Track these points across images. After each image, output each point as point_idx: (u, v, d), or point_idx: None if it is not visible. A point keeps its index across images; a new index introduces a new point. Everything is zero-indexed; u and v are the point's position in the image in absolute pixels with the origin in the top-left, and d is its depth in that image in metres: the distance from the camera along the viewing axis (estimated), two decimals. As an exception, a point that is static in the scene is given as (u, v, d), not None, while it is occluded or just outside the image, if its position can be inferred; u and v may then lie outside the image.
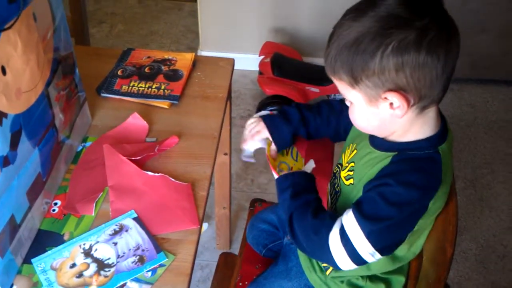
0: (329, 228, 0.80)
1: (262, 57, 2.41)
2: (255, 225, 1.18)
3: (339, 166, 0.95)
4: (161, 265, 0.94)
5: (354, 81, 0.76)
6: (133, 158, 1.10)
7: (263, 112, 1.06)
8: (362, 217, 0.78)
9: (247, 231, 1.21)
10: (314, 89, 2.30)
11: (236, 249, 1.79)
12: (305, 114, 1.01)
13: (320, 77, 2.31)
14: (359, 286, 0.97)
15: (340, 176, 0.92)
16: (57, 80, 0.99)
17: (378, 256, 0.79)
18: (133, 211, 1.03)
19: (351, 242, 0.78)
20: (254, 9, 2.53)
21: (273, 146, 0.98)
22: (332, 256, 0.80)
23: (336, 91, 2.27)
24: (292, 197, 0.86)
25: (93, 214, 1.02)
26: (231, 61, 1.42)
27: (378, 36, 0.72)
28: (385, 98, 0.76)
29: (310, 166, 0.96)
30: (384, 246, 0.79)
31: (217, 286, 1.29)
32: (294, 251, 1.06)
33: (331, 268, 0.98)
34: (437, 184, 0.80)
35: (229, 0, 2.52)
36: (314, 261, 1.01)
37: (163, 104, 1.26)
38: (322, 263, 0.99)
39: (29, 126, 0.89)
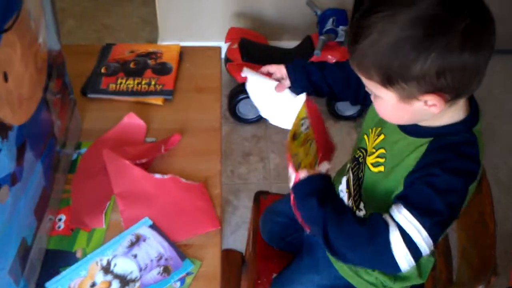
0: (385, 233, 0.73)
1: (228, 44, 2.33)
2: (269, 219, 1.13)
3: (363, 151, 0.91)
4: (188, 273, 0.88)
5: (388, 82, 0.73)
6: (137, 162, 1.02)
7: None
8: (419, 213, 0.73)
9: (261, 225, 1.16)
10: (286, 73, 2.25)
11: (230, 245, 1.74)
12: (325, 66, 0.99)
13: (290, 59, 2.27)
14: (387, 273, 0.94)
15: (365, 162, 0.89)
16: (52, 83, 0.90)
17: (432, 247, 0.75)
18: (147, 218, 0.95)
19: (414, 241, 0.73)
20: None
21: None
22: (394, 260, 0.73)
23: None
24: (320, 205, 0.77)
25: (104, 226, 0.94)
26: (218, 50, 1.35)
27: (420, 43, 0.68)
28: (421, 98, 0.73)
29: (324, 167, 0.90)
30: (439, 236, 0.76)
31: (226, 287, 1.24)
32: (316, 244, 1.02)
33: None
34: (477, 167, 0.77)
35: (188, -13, 2.42)
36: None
37: (157, 100, 1.19)
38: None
39: (32, 137, 0.80)
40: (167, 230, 0.94)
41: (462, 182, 0.76)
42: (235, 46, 2.25)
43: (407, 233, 0.73)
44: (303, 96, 0.93)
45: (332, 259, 0.99)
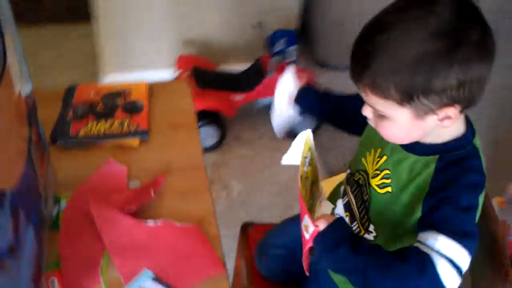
0: (431, 265, 0.72)
1: (179, 71, 2.29)
2: (268, 253, 1.10)
3: (363, 173, 0.90)
4: (203, 325, 0.83)
5: (408, 99, 0.72)
6: (127, 210, 0.96)
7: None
8: (458, 237, 0.73)
9: (257, 260, 1.12)
10: (240, 96, 2.24)
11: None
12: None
13: (242, 82, 2.27)
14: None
15: (369, 184, 0.88)
16: (33, 133, 0.83)
17: None
18: (147, 270, 0.89)
19: (459, 265, 0.73)
20: (158, 23, 2.40)
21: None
22: (443, 286, 0.72)
23: (262, 95, 2.24)
24: (354, 253, 0.74)
25: (102, 286, 0.88)
26: (185, 83, 1.32)
27: (442, 56, 0.68)
28: (439, 113, 0.74)
29: (328, 206, 0.88)
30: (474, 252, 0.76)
31: None
32: (320, 270, 1.00)
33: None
34: (484, 178, 0.79)
35: (129, 16, 2.36)
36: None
37: (132, 142, 1.13)
38: None
39: (23, 200, 0.73)
40: (172, 280, 0.88)
41: (477, 196, 0.76)
42: (188, 73, 2.22)
43: (452, 260, 0.72)
44: (307, 131, 0.91)
45: (339, 283, 0.97)
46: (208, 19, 2.42)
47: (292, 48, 2.18)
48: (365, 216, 0.90)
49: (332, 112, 1.05)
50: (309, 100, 1.04)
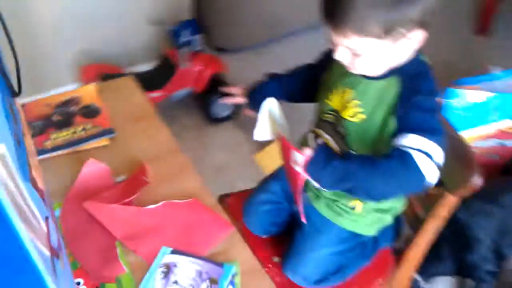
0: (411, 159, 0.85)
1: (87, 82, 2.27)
2: (257, 211, 1.19)
3: (332, 112, 1.02)
4: (233, 275, 0.91)
5: (387, 31, 0.85)
6: (126, 200, 1.01)
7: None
8: (430, 134, 0.87)
9: (247, 222, 1.20)
10: (157, 94, 2.28)
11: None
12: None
13: (155, 80, 2.31)
14: (381, 208, 1.09)
15: (342, 118, 1.00)
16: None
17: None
18: (164, 247, 0.95)
19: (434, 158, 0.86)
20: (55, 39, 2.35)
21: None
22: (425, 179, 0.86)
23: (178, 87, 2.30)
24: (344, 162, 0.87)
25: (126, 271, 0.92)
26: (130, 78, 1.36)
27: None
28: (409, 35, 0.88)
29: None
30: (445, 148, 0.91)
31: None
32: (310, 211, 1.12)
33: (358, 206, 1.07)
34: (436, 85, 0.95)
35: (26, 39, 2.28)
36: (337, 207, 1.08)
37: (102, 142, 1.16)
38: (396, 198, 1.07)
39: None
40: (190, 250, 0.95)
41: (435, 99, 0.93)
42: (97, 82, 2.21)
43: (427, 153, 0.86)
44: (269, 101, 1.00)
45: (331, 217, 1.10)
46: (104, 25, 2.41)
47: (196, 38, 2.27)
48: (345, 148, 1.02)
49: (290, 94, 1.15)
50: (267, 94, 1.04)
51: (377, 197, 0.97)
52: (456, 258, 1.57)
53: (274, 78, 1.17)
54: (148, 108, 1.27)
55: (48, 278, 0.53)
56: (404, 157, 0.86)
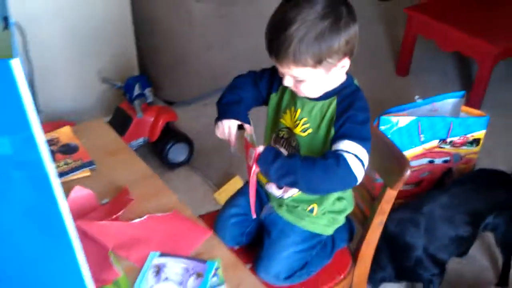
0: (344, 160, 1.04)
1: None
2: (225, 224, 1.33)
3: (285, 129, 1.21)
4: (216, 269, 1.05)
5: (319, 62, 1.05)
6: (114, 217, 1.14)
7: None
8: (358, 141, 1.07)
9: (219, 235, 1.33)
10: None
11: None
12: (245, 99, 1.23)
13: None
14: (334, 210, 1.27)
15: (294, 134, 1.19)
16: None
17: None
18: (152, 252, 1.08)
19: (362, 159, 1.06)
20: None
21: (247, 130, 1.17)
22: (355, 176, 1.05)
23: (135, 136, 2.44)
24: (289, 159, 1.06)
25: (121, 274, 1.04)
26: (101, 120, 1.50)
27: (332, 29, 1.03)
28: (338, 64, 1.08)
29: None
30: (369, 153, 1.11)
31: None
32: (275, 218, 1.29)
33: (315, 209, 1.25)
34: (367, 104, 1.16)
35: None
36: (298, 212, 1.26)
37: (84, 173, 1.29)
38: (328, 195, 1.23)
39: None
40: (174, 252, 1.09)
41: (367, 115, 1.14)
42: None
43: (357, 155, 1.07)
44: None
45: (294, 221, 1.27)
46: (59, 84, 2.54)
47: (148, 90, 2.44)
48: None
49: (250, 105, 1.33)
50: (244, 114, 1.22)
51: (315, 191, 1.15)
52: (394, 265, 1.74)
53: (240, 101, 1.26)
54: (121, 144, 1.41)
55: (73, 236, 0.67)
56: (338, 158, 1.06)
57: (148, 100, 2.44)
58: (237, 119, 1.17)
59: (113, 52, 2.61)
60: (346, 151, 1.07)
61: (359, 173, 1.07)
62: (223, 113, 1.20)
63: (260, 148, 1.08)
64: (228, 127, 1.16)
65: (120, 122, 2.44)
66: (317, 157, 1.08)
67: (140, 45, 2.73)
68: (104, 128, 1.47)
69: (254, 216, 1.20)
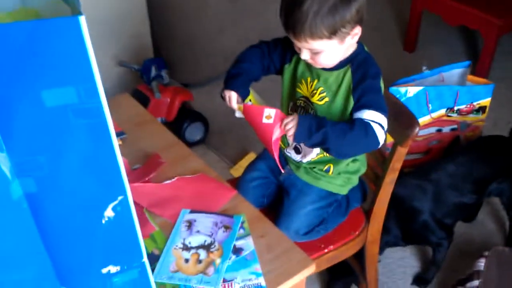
0: (370, 127, 1.15)
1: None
2: (247, 187, 1.42)
3: (303, 98, 1.30)
4: (242, 222, 1.15)
5: (334, 33, 1.13)
6: (147, 179, 1.24)
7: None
8: (378, 109, 1.18)
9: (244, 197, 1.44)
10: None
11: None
12: (249, 72, 1.31)
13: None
14: (349, 171, 1.37)
15: (311, 102, 1.29)
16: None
17: None
18: (183, 209, 1.19)
19: (384, 126, 1.18)
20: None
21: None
22: (378, 140, 1.17)
23: (155, 116, 2.54)
24: (323, 131, 1.14)
25: (156, 229, 1.15)
26: (127, 95, 1.60)
27: (343, 1, 1.12)
28: (352, 33, 1.16)
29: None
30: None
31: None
32: (293, 179, 1.39)
33: (331, 168, 1.35)
34: (379, 69, 1.25)
35: None
36: (315, 173, 1.35)
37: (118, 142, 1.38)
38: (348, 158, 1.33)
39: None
40: (203, 209, 1.19)
41: (380, 80, 1.23)
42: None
43: (379, 123, 1.18)
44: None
45: (311, 182, 1.37)
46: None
47: (164, 72, 2.53)
48: None
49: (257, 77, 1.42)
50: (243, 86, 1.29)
51: (344, 155, 1.27)
52: (401, 228, 1.83)
53: (242, 74, 1.32)
54: (147, 115, 1.51)
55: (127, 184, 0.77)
56: (366, 128, 1.17)
57: (164, 81, 2.53)
58: (234, 90, 1.26)
59: (128, 35, 2.70)
60: (371, 120, 1.18)
61: (382, 138, 1.19)
62: (224, 85, 1.30)
63: (278, 112, 1.17)
64: (228, 97, 1.26)
65: (139, 102, 2.54)
66: (346, 125, 1.17)
67: (155, 29, 2.82)
68: (130, 102, 1.57)
69: (282, 170, 1.29)
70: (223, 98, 1.30)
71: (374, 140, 1.18)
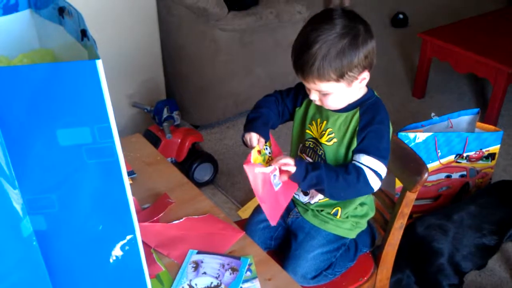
0: (364, 174, 1.18)
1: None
2: (255, 229, 1.42)
3: (312, 139, 1.32)
4: (249, 264, 1.15)
5: (341, 76, 1.16)
6: (155, 218, 1.24)
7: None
8: (377, 156, 1.19)
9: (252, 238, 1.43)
10: (144, 164, 2.53)
11: None
12: (267, 116, 1.33)
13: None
14: (357, 215, 1.37)
15: (321, 143, 1.30)
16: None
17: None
18: (190, 249, 1.19)
19: (380, 174, 1.19)
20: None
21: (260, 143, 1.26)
22: (371, 188, 1.19)
23: (165, 156, 2.56)
24: (317, 174, 1.17)
25: (163, 269, 1.14)
26: (139, 135, 1.63)
27: (351, 46, 1.14)
28: (359, 77, 1.19)
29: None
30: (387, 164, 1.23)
31: None
32: (301, 222, 1.39)
33: (339, 212, 1.34)
34: (388, 115, 1.27)
35: None
36: (323, 216, 1.35)
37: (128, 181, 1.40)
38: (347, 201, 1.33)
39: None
40: (211, 250, 1.19)
41: (387, 127, 1.24)
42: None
43: (375, 170, 1.19)
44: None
45: (319, 225, 1.36)
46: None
47: (176, 113, 2.58)
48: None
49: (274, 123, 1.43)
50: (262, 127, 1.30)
51: (336, 197, 1.29)
52: (415, 269, 1.81)
53: (260, 117, 1.35)
54: (158, 155, 1.53)
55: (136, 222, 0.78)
56: (359, 173, 1.19)
57: (176, 122, 2.57)
58: (255, 132, 1.27)
59: (142, 78, 2.76)
60: (367, 166, 1.20)
61: (376, 185, 1.21)
62: (244, 130, 1.31)
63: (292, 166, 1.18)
64: (249, 139, 1.28)
65: (150, 142, 2.57)
66: (340, 169, 1.20)
67: (168, 72, 2.89)
68: (142, 142, 1.59)
69: (274, 223, 1.27)
70: (245, 143, 1.31)
71: (365, 186, 1.21)
